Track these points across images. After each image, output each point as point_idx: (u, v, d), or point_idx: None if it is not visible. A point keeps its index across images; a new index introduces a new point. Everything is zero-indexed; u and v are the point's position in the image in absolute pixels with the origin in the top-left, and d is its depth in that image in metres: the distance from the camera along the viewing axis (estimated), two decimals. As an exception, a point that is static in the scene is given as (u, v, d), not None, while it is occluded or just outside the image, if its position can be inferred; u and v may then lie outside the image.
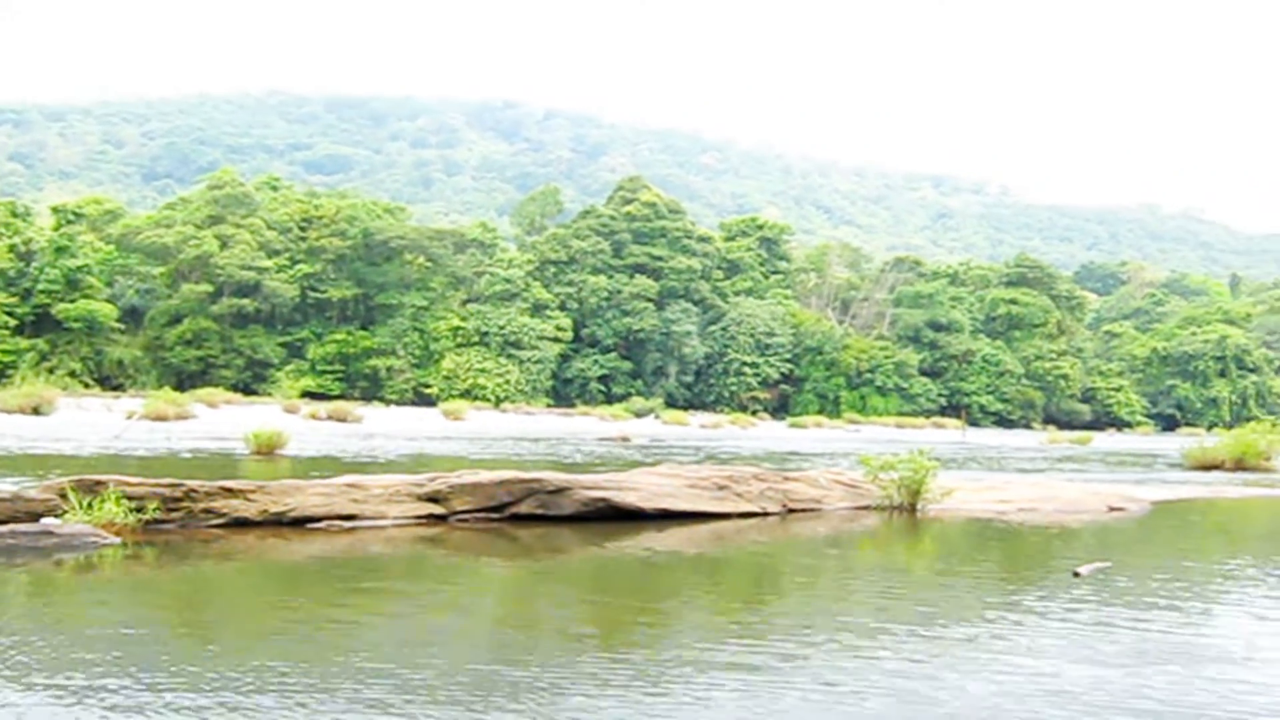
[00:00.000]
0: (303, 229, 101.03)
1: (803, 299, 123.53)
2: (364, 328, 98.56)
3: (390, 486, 12.82)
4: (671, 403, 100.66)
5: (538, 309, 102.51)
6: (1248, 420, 46.82)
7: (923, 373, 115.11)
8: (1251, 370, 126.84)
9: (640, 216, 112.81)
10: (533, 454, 29.89)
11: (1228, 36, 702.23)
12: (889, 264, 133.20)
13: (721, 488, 14.77)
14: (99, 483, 11.06)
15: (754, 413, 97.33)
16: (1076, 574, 9.75)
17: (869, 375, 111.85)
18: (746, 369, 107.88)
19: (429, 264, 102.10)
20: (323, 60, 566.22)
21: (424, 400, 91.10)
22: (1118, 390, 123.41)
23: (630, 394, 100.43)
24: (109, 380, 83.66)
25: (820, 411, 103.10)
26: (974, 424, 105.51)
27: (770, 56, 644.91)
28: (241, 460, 23.41)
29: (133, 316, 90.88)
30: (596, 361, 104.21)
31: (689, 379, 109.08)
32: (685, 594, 9.10)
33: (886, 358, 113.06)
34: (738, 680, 5.97)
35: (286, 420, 44.59)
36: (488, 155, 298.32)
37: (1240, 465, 31.32)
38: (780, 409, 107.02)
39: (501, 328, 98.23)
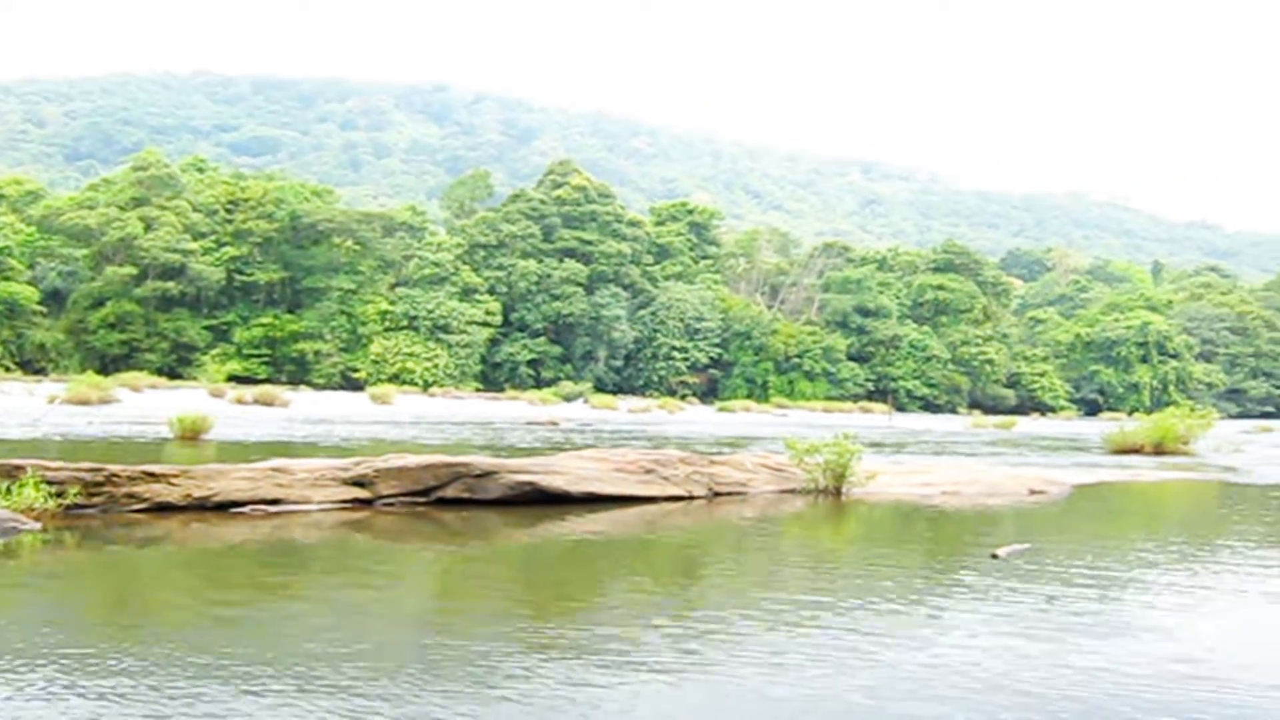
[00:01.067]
0: (229, 211, 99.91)
1: (732, 284, 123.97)
2: (291, 311, 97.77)
3: (316, 471, 12.77)
4: (601, 387, 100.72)
5: (467, 293, 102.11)
6: (1168, 405, 47.55)
7: (850, 358, 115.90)
8: (1172, 356, 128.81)
9: (570, 200, 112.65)
10: (461, 438, 29.83)
11: (1153, 29, 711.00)
12: (818, 249, 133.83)
13: (648, 471, 14.82)
14: (18, 467, 10.93)
15: (683, 397, 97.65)
16: (995, 555, 9.90)
17: (797, 360, 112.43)
18: (676, 354, 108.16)
19: (357, 247, 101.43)
20: (250, 41, 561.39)
21: (352, 384, 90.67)
22: (1042, 375, 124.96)
23: (559, 378, 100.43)
24: (30, 364, 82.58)
25: (749, 396, 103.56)
26: (901, 409, 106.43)
27: (700, 42, 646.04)
28: (166, 445, 23.20)
29: (55, 299, 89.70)
30: (526, 346, 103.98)
31: (618, 364, 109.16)
32: (614, 576, 9.14)
33: (815, 343, 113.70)
34: (670, 658, 6.04)
35: (212, 404, 44.26)
36: (417, 138, 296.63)
37: (1159, 449, 31.81)
38: (709, 394, 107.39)
39: (430, 312, 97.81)
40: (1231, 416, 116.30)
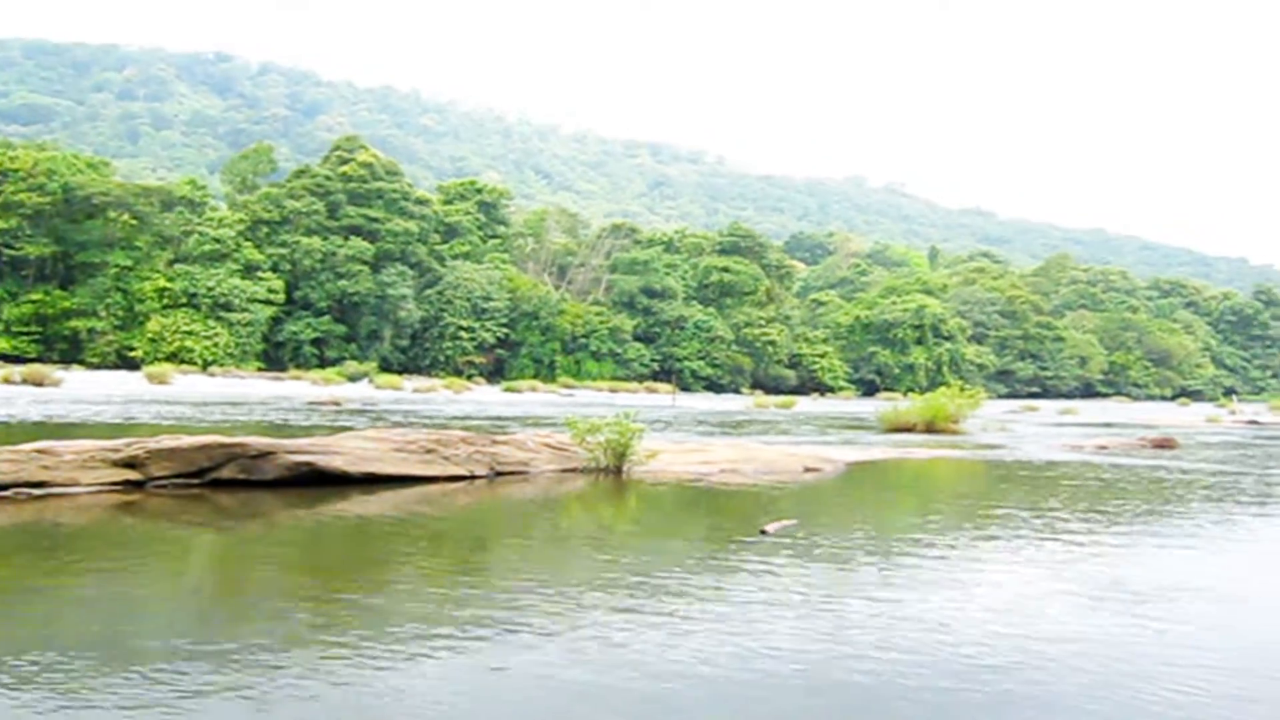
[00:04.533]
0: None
1: (520, 264, 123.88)
2: (63, 288, 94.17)
3: (84, 452, 12.40)
4: (386, 367, 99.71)
5: (249, 270, 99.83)
6: (941, 386, 49.31)
7: (637, 338, 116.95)
8: (946, 338, 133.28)
9: (357, 177, 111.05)
10: (240, 418, 29.25)
11: (931, 19, 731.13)
12: (606, 230, 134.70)
13: (429, 451, 14.79)
14: None
15: (469, 377, 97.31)
16: (764, 532, 10.18)
17: (584, 340, 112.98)
18: (462, 333, 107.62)
19: (134, 222, 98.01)
20: (19, 2, 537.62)
21: (128, 364, 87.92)
22: (822, 356, 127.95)
23: (344, 358, 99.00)
24: None
25: (536, 376, 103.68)
26: (685, 388, 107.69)
27: (488, 18, 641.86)
28: (-76, 425, 22.28)
29: None
30: (309, 324, 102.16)
31: (404, 343, 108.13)
32: (397, 559, 9.09)
33: (602, 323, 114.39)
34: (457, 641, 6.06)
35: (-24, 383, 42.56)
36: (199, 110, 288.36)
37: (931, 428, 32.93)
38: (496, 373, 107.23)
39: (210, 289, 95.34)
40: (1000, 396, 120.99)
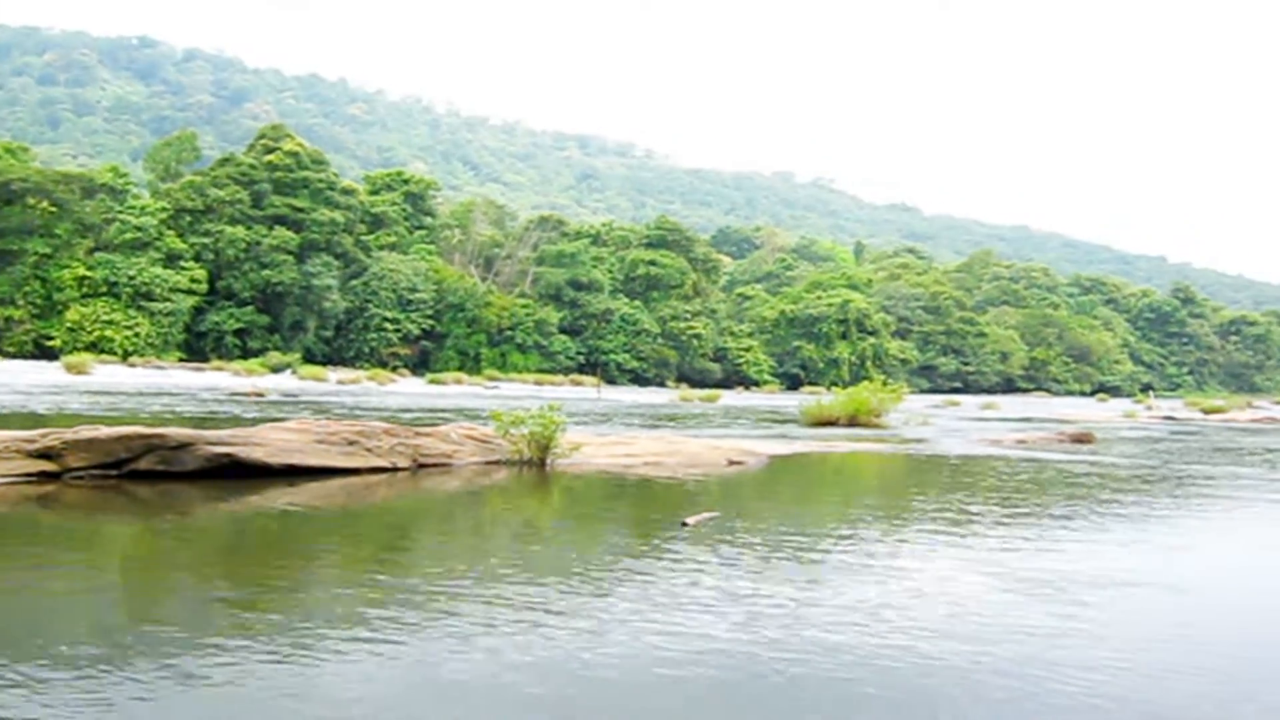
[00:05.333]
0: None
1: (447, 255, 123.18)
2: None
3: (-2, 442, 12.27)
4: (310, 358, 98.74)
5: (171, 259, 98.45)
6: (865, 380, 49.77)
7: (563, 331, 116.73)
8: (871, 333, 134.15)
9: (282, 166, 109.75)
10: (160, 409, 28.95)
11: (857, 15, 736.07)
12: (533, 222, 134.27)
13: (351, 443, 14.73)
14: None
15: (395, 369, 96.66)
16: (685, 524, 10.24)
17: (510, 332, 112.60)
18: (388, 325, 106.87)
19: (54, 209, 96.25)
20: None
21: (46, 353, 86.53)
22: (747, 350, 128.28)
23: (268, 349, 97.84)
24: None
25: (461, 368, 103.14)
26: (611, 381, 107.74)
27: (418, 6, 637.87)
28: None
29: None
30: (233, 315, 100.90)
31: (329, 334, 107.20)
32: (317, 552, 9.05)
33: (528, 315, 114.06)
34: (376, 637, 6.05)
35: (-112, 372, 41.83)
36: (122, 96, 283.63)
37: (853, 421, 33.22)
38: (421, 365, 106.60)
39: (132, 278, 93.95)
40: (923, 391, 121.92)
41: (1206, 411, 64.18)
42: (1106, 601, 7.58)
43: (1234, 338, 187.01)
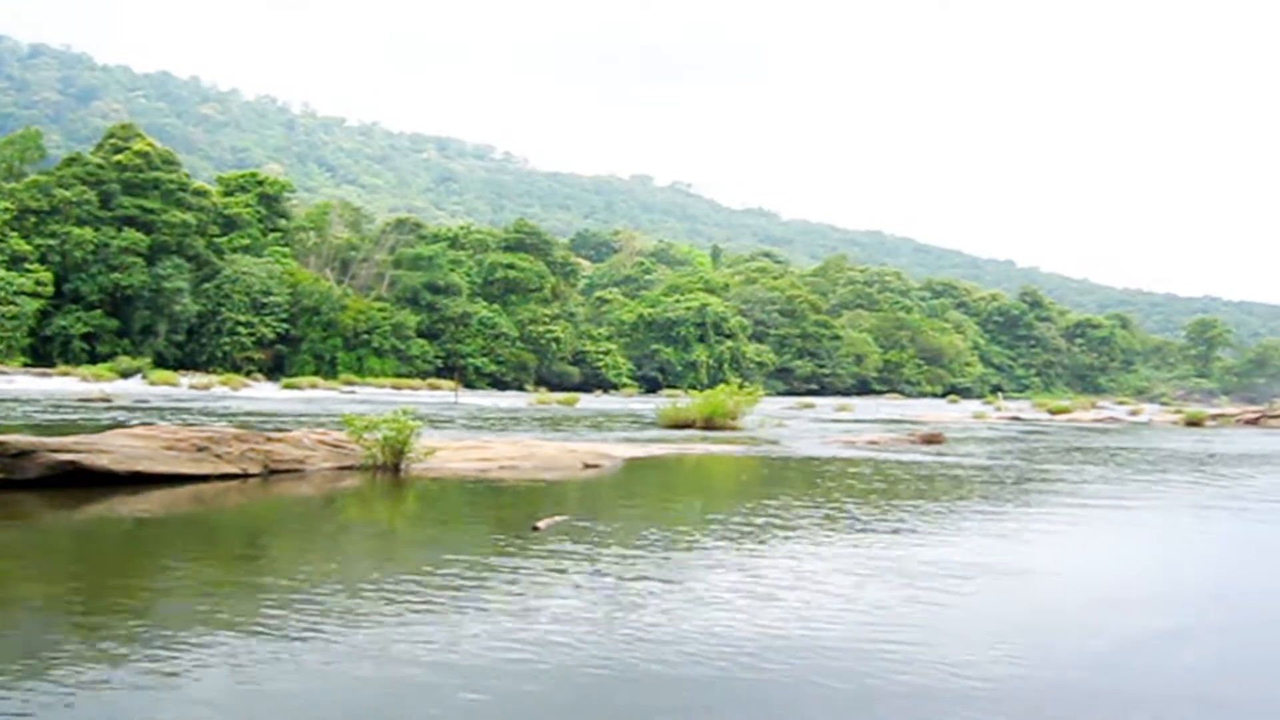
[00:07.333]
0: None
1: (302, 258, 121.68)
2: None
3: None
4: (161, 363, 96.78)
5: (15, 261, 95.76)
6: (723, 383, 50.27)
7: (420, 334, 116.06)
8: (728, 336, 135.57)
9: (132, 166, 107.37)
10: (2, 416, 28.21)
11: (717, 18, 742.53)
12: (390, 225, 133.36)
13: (201, 449, 14.48)
14: None
15: (248, 373, 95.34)
16: (535, 528, 10.27)
17: (367, 336, 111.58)
18: (241, 328, 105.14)
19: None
20: None
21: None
22: (606, 354, 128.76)
23: (116, 353, 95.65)
24: None
25: (316, 373, 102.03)
26: (469, 385, 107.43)
27: (270, 5, 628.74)
28: None
29: None
30: (80, 318, 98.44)
31: (180, 338, 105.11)
32: (165, 562, 8.86)
33: (385, 319, 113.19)
34: (225, 648, 5.93)
35: None
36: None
37: (709, 424, 33.47)
38: (276, 369, 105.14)
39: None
40: (780, 394, 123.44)
41: (1053, 412, 66.06)
42: (951, 586, 7.89)
43: (1079, 340, 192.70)
